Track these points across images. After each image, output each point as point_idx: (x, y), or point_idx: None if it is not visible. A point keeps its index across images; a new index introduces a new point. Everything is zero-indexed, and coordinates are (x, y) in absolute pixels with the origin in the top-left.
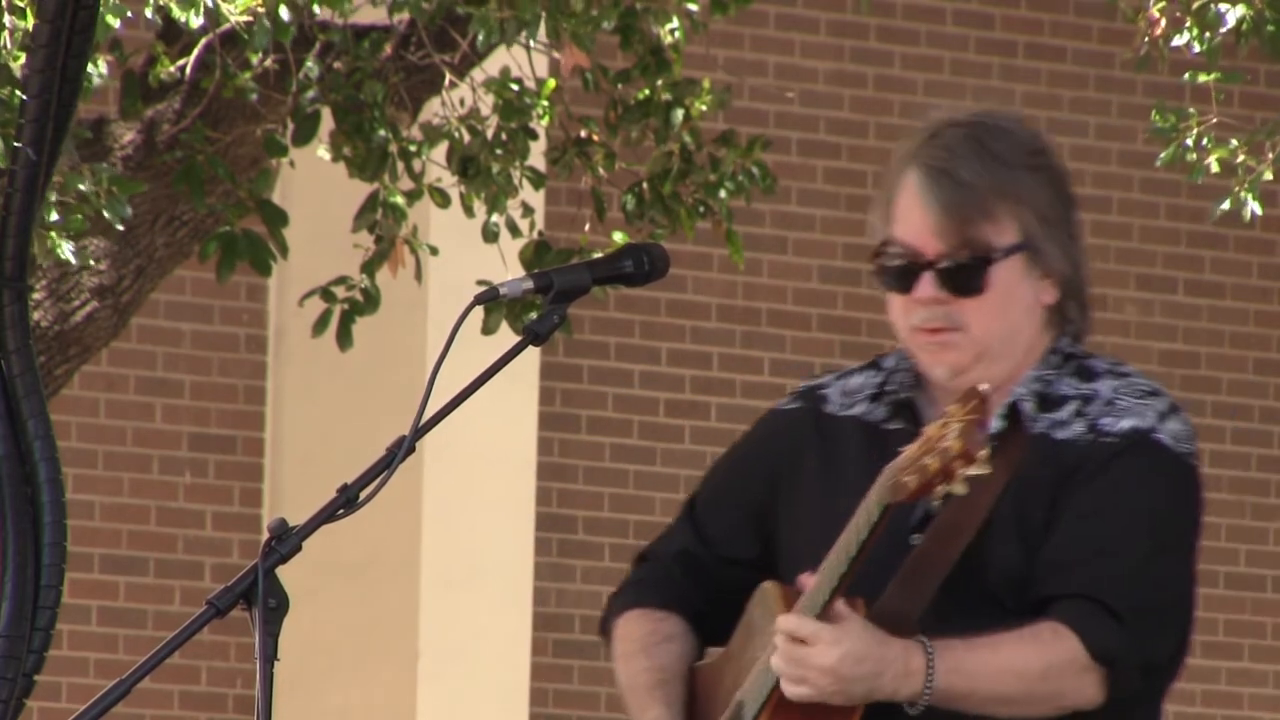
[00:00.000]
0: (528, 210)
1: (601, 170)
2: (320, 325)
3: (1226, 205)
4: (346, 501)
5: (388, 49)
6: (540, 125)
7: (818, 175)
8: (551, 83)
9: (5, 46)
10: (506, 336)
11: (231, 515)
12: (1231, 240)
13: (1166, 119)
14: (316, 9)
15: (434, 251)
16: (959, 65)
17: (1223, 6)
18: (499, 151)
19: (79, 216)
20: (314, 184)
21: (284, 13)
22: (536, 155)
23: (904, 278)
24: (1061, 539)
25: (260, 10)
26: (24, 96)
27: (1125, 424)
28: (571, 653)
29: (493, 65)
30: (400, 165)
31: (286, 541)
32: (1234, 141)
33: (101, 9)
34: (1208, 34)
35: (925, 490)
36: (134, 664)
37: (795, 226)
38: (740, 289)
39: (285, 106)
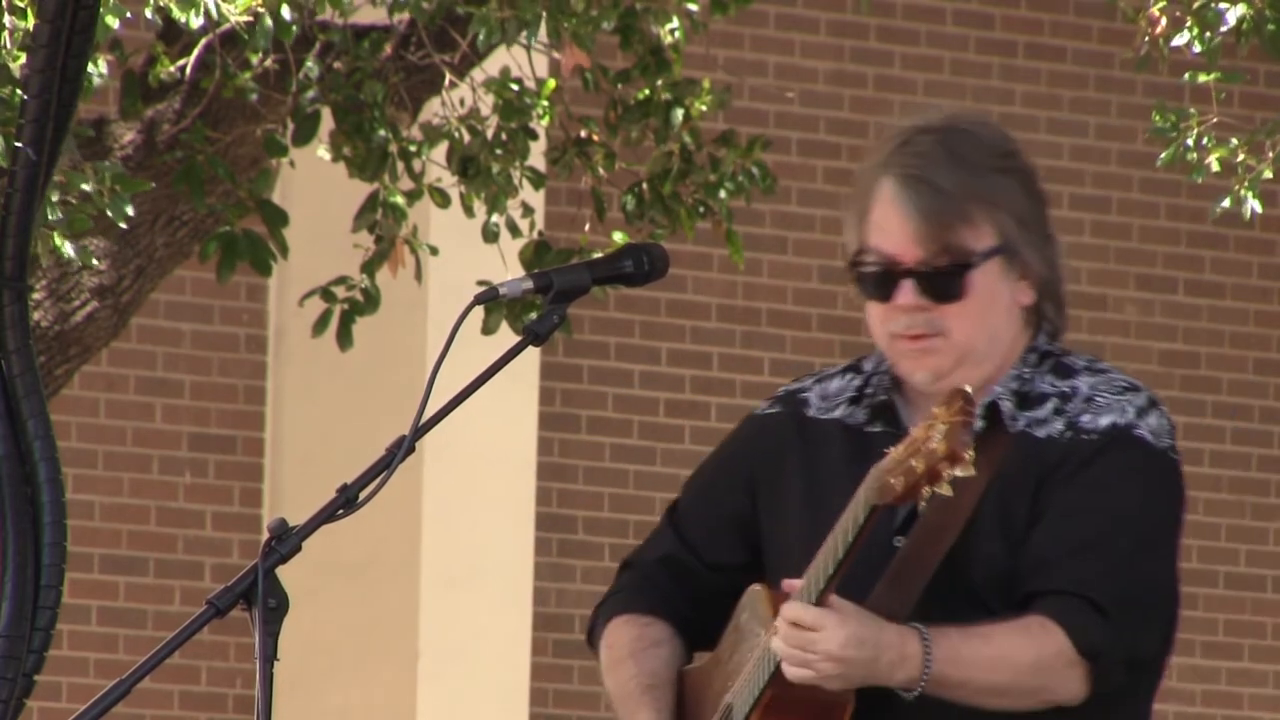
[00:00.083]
0: (528, 210)
1: (601, 170)
2: (320, 325)
3: (1227, 203)
4: (346, 501)
5: (388, 49)
6: (540, 125)
7: (818, 175)
8: (551, 83)
9: (5, 46)
10: (506, 336)
11: (231, 515)
12: (1231, 240)
13: (1167, 119)
14: (319, 13)
15: (434, 251)
16: (959, 65)
17: (1223, 5)
18: (499, 151)
19: (83, 216)
20: (314, 184)
21: (285, 12)
22: (536, 155)
23: (883, 285)
24: (1044, 536)
25: (261, 10)
26: (24, 96)
27: (1105, 420)
28: (571, 653)
29: (493, 65)
30: (400, 165)
31: (286, 541)
32: (1234, 141)
33: (101, 9)
34: (1208, 34)
35: (912, 492)
36: (134, 664)
37: (795, 226)
38: (740, 289)
39: (285, 106)
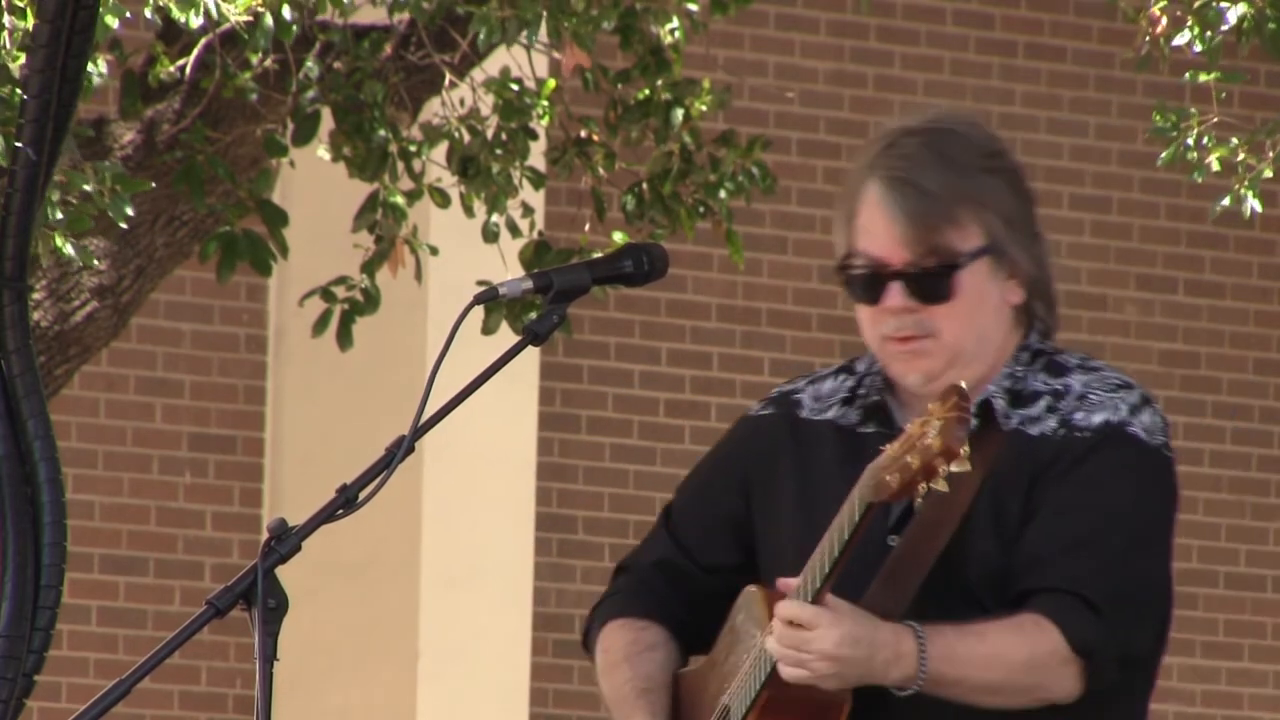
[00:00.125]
0: (528, 210)
1: (601, 170)
2: (320, 325)
3: (1226, 202)
4: (346, 501)
5: (388, 49)
6: (540, 125)
7: (818, 175)
8: (551, 83)
9: (5, 47)
10: (506, 336)
11: (231, 515)
12: (1231, 240)
13: (1167, 119)
14: (320, 13)
15: (434, 251)
16: (959, 65)
17: (1224, 5)
18: (499, 151)
19: (84, 216)
20: (314, 184)
21: (286, 12)
22: (536, 155)
23: (872, 288)
24: (1038, 534)
25: (261, 10)
26: (24, 96)
27: (1098, 418)
28: (571, 653)
29: (493, 65)
30: (400, 165)
31: (286, 541)
32: (1234, 140)
33: (101, 9)
34: (1208, 33)
35: (908, 488)
36: (134, 664)
37: (795, 226)
38: (740, 289)
39: (285, 106)
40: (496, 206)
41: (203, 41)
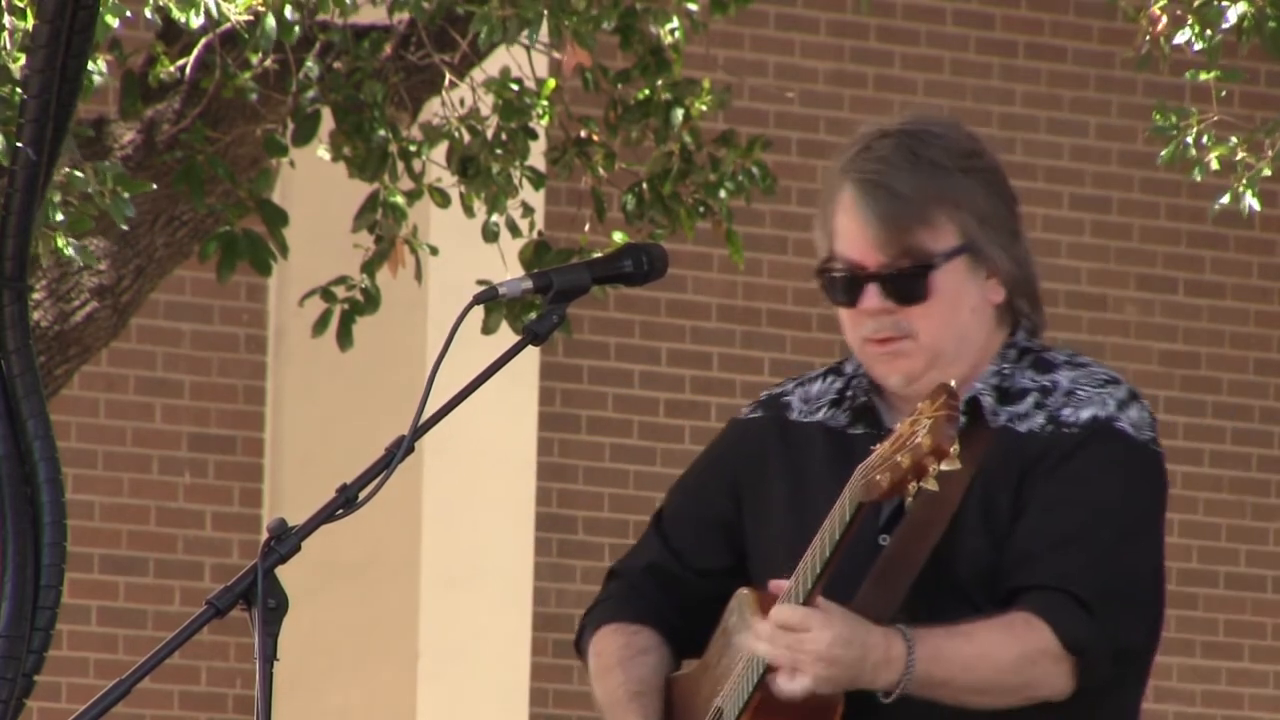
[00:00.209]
0: (528, 210)
1: (601, 170)
2: (320, 325)
3: (1226, 200)
4: (346, 501)
5: (388, 49)
6: (540, 125)
7: (818, 175)
8: (551, 83)
9: (5, 47)
10: (506, 336)
11: (231, 515)
12: (1231, 240)
13: (1166, 118)
14: (321, 12)
15: (434, 251)
16: (959, 65)
17: (1224, 4)
18: (499, 151)
19: (85, 217)
20: (314, 184)
21: (288, 12)
22: (536, 155)
23: (849, 291)
24: (1027, 531)
25: (261, 10)
26: (24, 96)
27: (1085, 414)
28: (571, 653)
29: (493, 65)
30: (400, 165)
31: (286, 541)
32: (1234, 139)
33: (101, 9)
34: (1208, 32)
35: (898, 487)
36: (134, 664)
37: (795, 226)
38: (740, 289)
39: (285, 106)
40: (496, 206)
41: (203, 41)
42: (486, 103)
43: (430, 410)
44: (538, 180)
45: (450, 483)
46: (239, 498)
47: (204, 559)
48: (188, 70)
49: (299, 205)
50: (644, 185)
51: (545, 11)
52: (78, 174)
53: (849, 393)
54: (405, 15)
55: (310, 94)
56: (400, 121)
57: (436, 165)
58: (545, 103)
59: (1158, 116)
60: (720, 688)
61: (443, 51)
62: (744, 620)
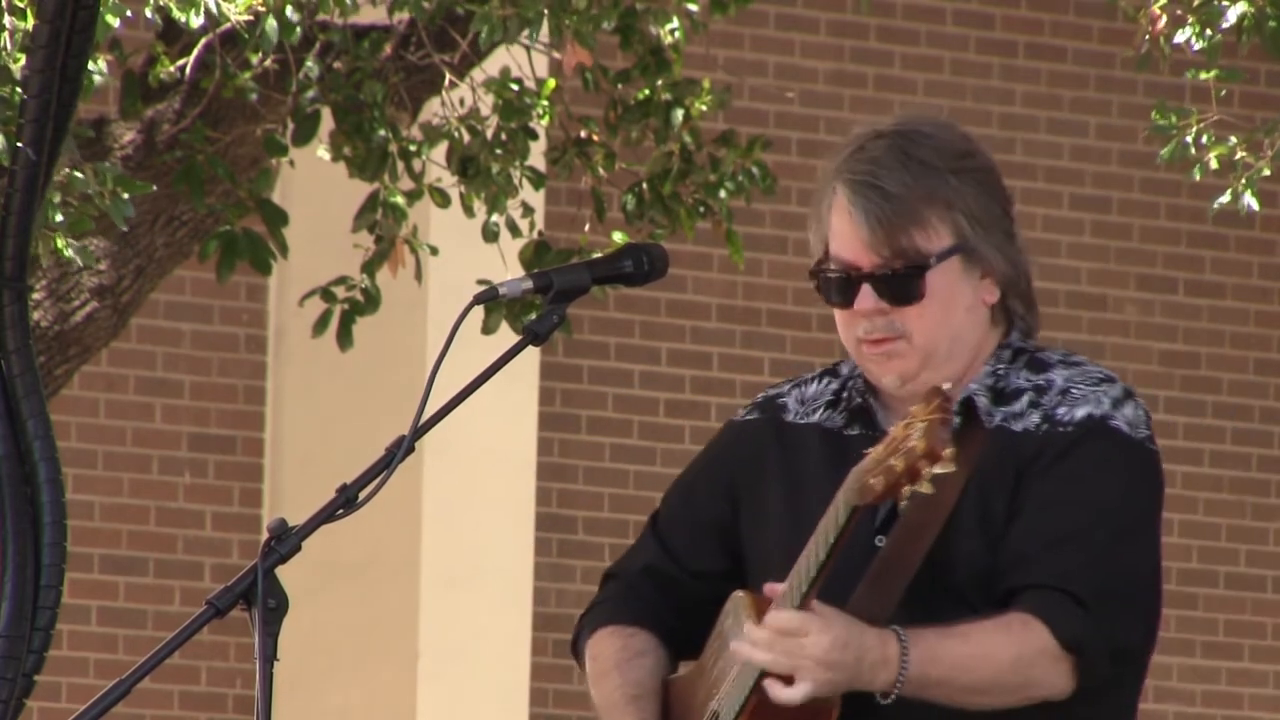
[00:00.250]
0: (528, 210)
1: (601, 170)
2: (320, 325)
3: (1226, 198)
4: (346, 501)
5: (388, 49)
6: (540, 125)
7: (818, 175)
8: (551, 83)
9: (5, 47)
10: (506, 336)
11: (231, 515)
12: (1232, 240)
13: (1166, 116)
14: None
15: (434, 251)
16: (959, 65)
17: (1224, 3)
18: (499, 151)
19: (85, 218)
20: (314, 184)
21: (289, 12)
22: (536, 155)
23: (843, 291)
24: (1023, 530)
25: (261, 10)
26: (24, 96)
27: (1080, 412)
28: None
29: (493, 65)
30: (400, 165)
31: (286, 542)
32: (1233, 139)
33: (101, 9)
34: (1208, 31)
35: (892, 491)
36: (134, 664)
37: (795, 226)
38: (740, 289)
39: (285, 106)
40: (496, 206)
41: (203, 41)
42: (486, 103)
43: (430, 410)
44: (538, 180)
45: (450, 483)
46: (239, 498)
47: (204, 559)
48: (188, 70)
49: (299, 205)
50: (644, 185)
51: (545, 11)
52: (77, 175)
53: (845, 394)
54: (405, 15)
55: (310, 94)
56: (400, 121)
57: (436, 165)
58: (545, 103)
59: (1157, 116)
60: (716, 691)
61: (443, 51)
62: (739, 623)
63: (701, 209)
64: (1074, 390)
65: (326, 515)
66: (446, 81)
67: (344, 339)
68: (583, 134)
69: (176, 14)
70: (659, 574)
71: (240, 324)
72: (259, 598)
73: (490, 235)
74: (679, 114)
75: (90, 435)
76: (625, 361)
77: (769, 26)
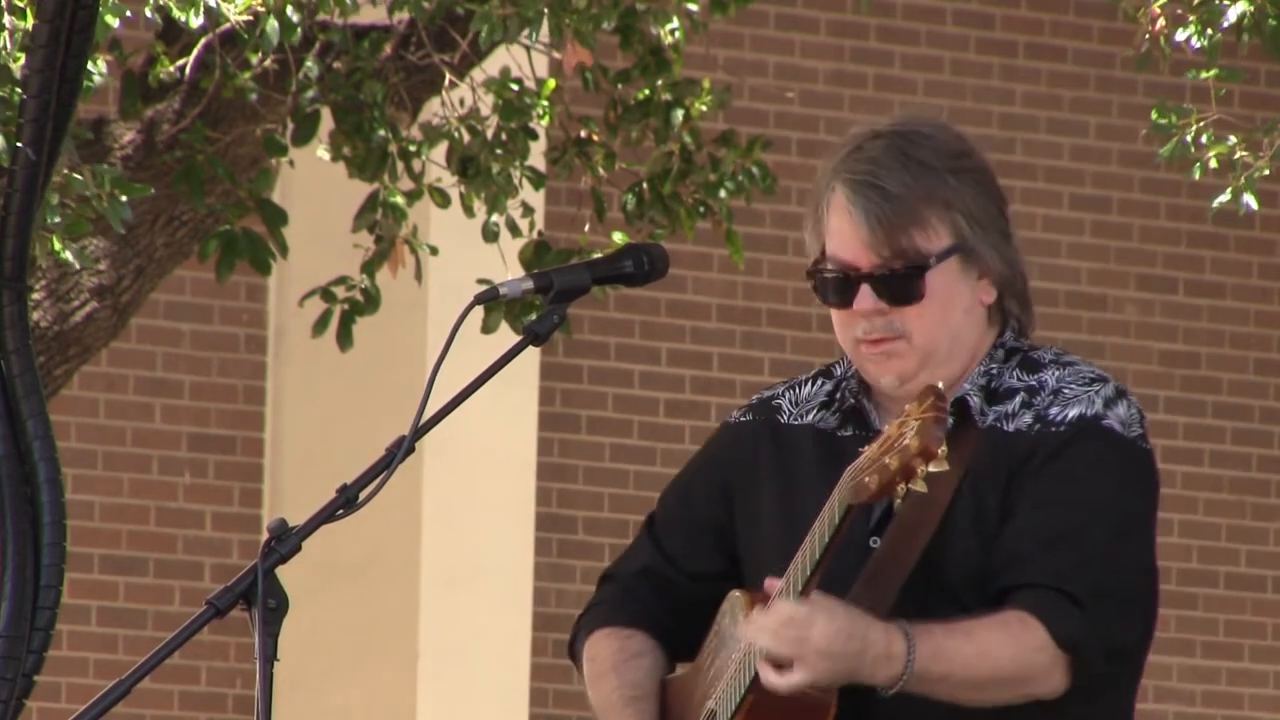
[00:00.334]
0: (528, 210)
1: (601, 170)
2: (320, 325)
3: (1226, 197)
4: (346, 501)
5: (388, 49)
6: (540, 125)
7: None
8: (551, 83)
9: (5, 47)
10: (506, 336)
11: (231, 515)
12: (1231, 240)
13: (1166, 115)
14: (321, 12)
15: (434, 251)
16: (959, 65)
17: (1224, 3)
18: (499, 151)
19: (83, 220)
20: (314, 184)
21: (290, 12)
22: (536, 155)
23: (842, 291)
24: (1017, 530)
25: (262, 10)
26: (24, 96)
27: (1072, 412)
28: None
29: (493, 65)
30: (400, 165)
31: (286, 542)
32: (1232, 138)
33: (101, 9)
34: (1209, 30)
35: (887, 489)
36: (134, 664)
37: (795, 226)
38: (740, 289)
39: (285, 106)
40: (496, 206)
41: (203, 41)
42: (486, 103)
43: (430, 410)
44: (538, 180)
45: (450, 483)
46: (239, 498)
47: (204, 559)
48: (188, 70)
49: (299, 205)
50: (644, 185)
51: (545, 11)
52: (76, 176)
53: (838, 395)
54: (405, 15)
55: (310, 94)
56: (400, 121)
57: (436, 165)
58: (545, 103)
59: (1156, 114)
60: (713, 690)
61: (443, 51)
62: (736, 622)
63: (701, 209)
64: (1066, 390)
65: (326, 515)
66: (446, 81)
67: (344, 339)
68: (583, 134)
69: (176, 14)
70: (656, 575)
71: (240, 324)
72: (259, 598)
73: (490, 235)
74: (679, 114)
75: (90, 435)
76: (625, 361)
77: (769, 26)
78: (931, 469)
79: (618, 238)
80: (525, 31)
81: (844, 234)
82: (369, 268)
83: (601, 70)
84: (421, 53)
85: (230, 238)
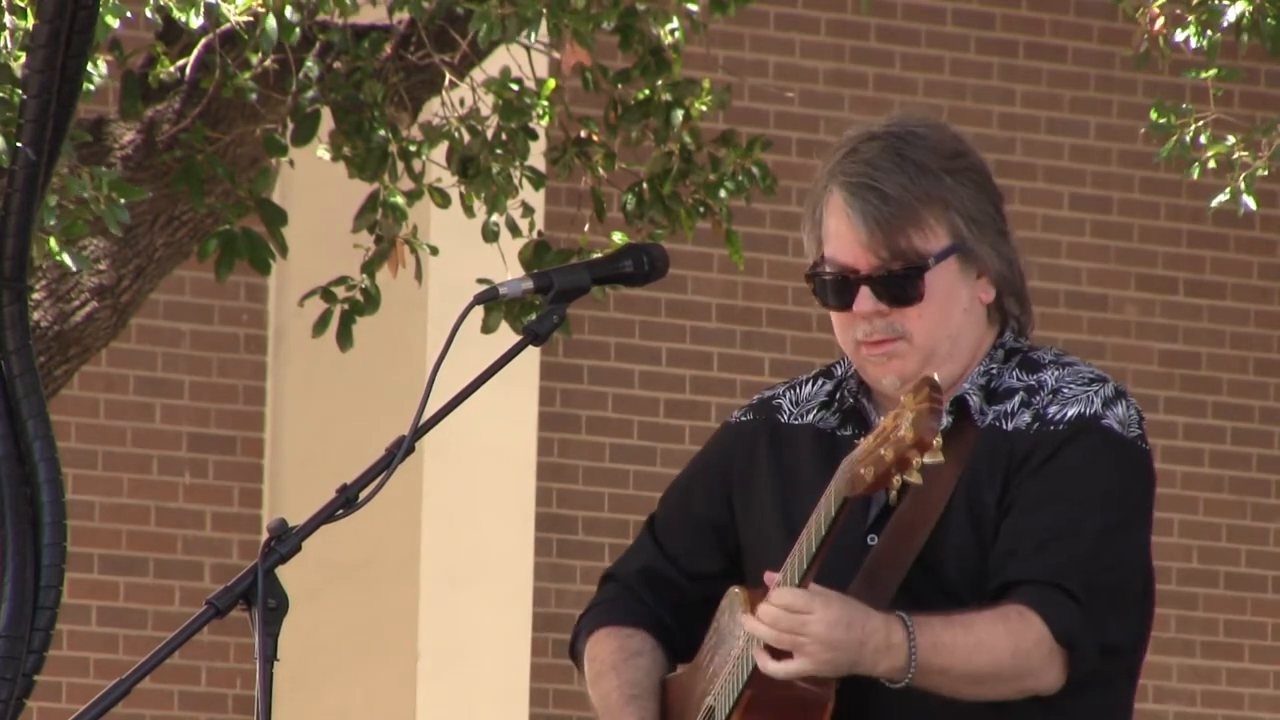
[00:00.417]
0: (528, 210)
1: (601, 170)
2: (320, 325)
3: (1225, 197)
4: (346, 501)
5: (388, 49)
6: (540, 125)
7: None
8: (551, 83)
9: (5, 46)
10: (506, 336)
11: (231, 515)
12: (1232, 240)
13: (1165, 114)
14: (321, 12)
15: (434, 251)
16: (959, 65)
17: (1223, 2)
18: (499, 151)
19: (80, 222)
20: (314, 184)
21: (289, 12)
22: (536, 155)
23: (841, 294)
24: (1015, 527)
25: (261, 10)
26: (24, 96)
27: (1071, 411)
28: None
29: (493, 65)
30: (400, 165)
31: (286, 542)
32: (1231, 138)
33: (101, 9)
34: (1208, 30)
35: (883, 481)
36: (134, 664)
37: (795, 226)
38: (740, 289)
39: (285, 106)
40: (496, 206)
41: (203, 41)
42: (486, 103)
43: (430, 410)
44: (538, 180)
45: (450, 483)
46: (239, 498)
47: (204, 559)
48: (188, 70)
49: (299, 205)
50: (644, 185)
51: (544, 10)
52: (74, 179)
53: (838, 395)
54: (405, 15)
55: (310, 94)
56: (400, 121)
57: (436, 165)
58: (545, 103)
59: (1155, 113)
60: (712, 687)
61: (443, 51)
62: (735, 619)
63: (701, 209)
64: (1065, 390)
65: (326, 515)
66: (446, 81)
67: (344, 339)
68: (583, 134)
69: (176, 14)
70: (656, 575)
71: (240, 324)
72: (259, 598)
73: (490, 235)
74: (679, 114)
75: (90, 435)
76: (625, 361)
77: (769, 26)
78: (927, 460)
79: (618, 238)
80: (524, 31)
81: (842, 236)
82: (369, 268)
83: (601, 70)
84: (421, 53)
85: (230, 238)
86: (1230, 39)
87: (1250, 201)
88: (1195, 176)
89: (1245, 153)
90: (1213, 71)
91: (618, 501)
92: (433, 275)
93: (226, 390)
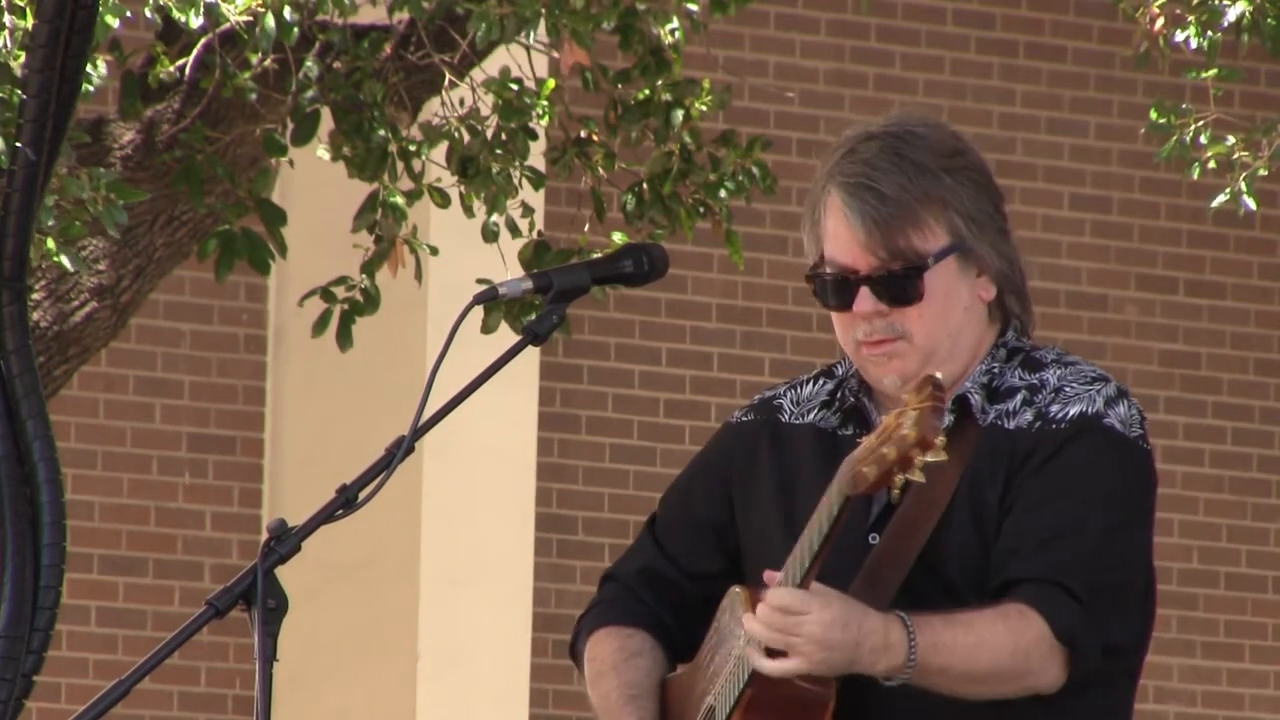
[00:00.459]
0: (528, 210)
1: (601, 170)
2: (320, 325)
3: (1225, 197)
4: (346, 501)
5: (387, 49)
6: (540, 125)
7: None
8: (551, 83)
9: (5, 46)
10: (506, 336)
11: (231, 515)
12: (1232, 240)
13: (1165, 113)
14: (320, 12)
15: (434, 251)
16: (959, 65)
17: (1224, 3)
18: (499, 151)
19: (77, 223)
20: (314, 184)
21: (287, 12)
22: (536, 155)
23: (841, 294)
24: (1017, 526)
25: (261, 10)
26: (24, 96)
27: (1073, 410)
28: None
29: (492, 65)
30: (400, 165)
31: (286, 542)
32: (1230, 138)
33: (101, 9)
34: (1208, 31)
35: (885, 480)
36: (133, 664)
37: (795, 226)
38: (740, 289)
39: (285, 106)
40: (496, 206)
41: (203, 41)
42: (486, 103)
43: (430, 410)
44: (538, 180)
45: (450, 483)
46: (239, 498)
47: (204, 559)
48: (188, 70)
49: (299, 205)
50: (644, 185)
51: (543, 10)
52: (73, 180)
53: (839, 395)
54: (405, 15)
55: (310, 94)
56: (400, 121)
57: (436, 165)
58: (545, 103)
59: (1155, 113)
60: (712, 686)
61: (442, 51)
62: (736, 618)
63: (701, 209)
64: (1067, 389)
65: (326, 515)
66: (446, 81)
67: (344, 339)
68: (583, 134)
69: (176, 14)
70: (656, 575)
71: (240, 324)
72: (259, 598)
73: (490, 235)
74: (679, 114)
75: (90, 435)
76: (625, 361)
77: (769, 26)
78: (929, 459)
79: (618, 238)
80: (522, 31)
81: (841, 237)
82: (369, 268)
83: (601, 70)
84: (421, 53)
85: (229, 238)
86: (1230, 39)
87: (1250, 202)
88: (1195, 176)
89: (1245, 153)
90: (1213, 71)
91: (618, 502)
92: (432, 275)
93: (226, 390)
